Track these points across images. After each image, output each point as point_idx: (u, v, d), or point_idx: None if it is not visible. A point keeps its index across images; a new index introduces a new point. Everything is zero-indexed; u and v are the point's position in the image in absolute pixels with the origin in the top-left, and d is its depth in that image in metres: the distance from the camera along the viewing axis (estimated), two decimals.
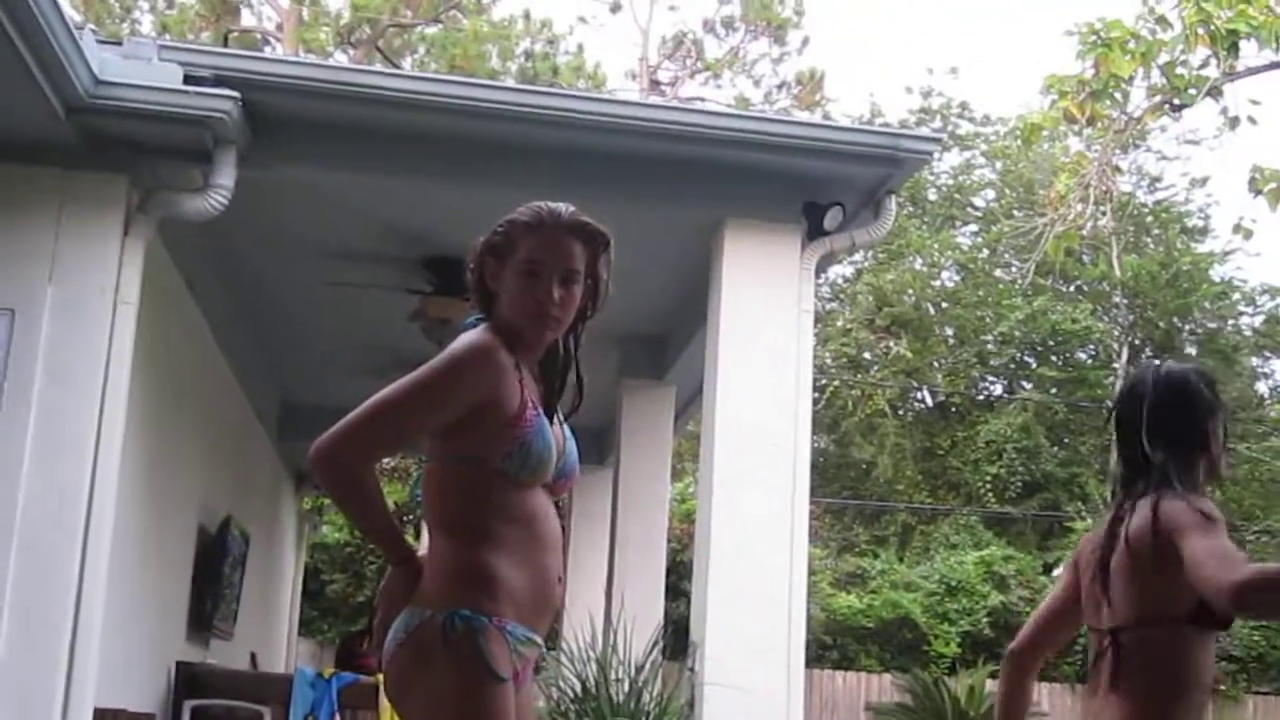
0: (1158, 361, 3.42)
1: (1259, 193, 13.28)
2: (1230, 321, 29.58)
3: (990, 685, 20.01)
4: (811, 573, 13.02)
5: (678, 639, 7.58)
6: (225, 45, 21.97)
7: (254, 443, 12.08)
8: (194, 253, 8.07)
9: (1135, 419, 3.22)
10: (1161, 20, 13.33)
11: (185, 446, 8.86)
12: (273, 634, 14.35)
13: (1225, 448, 3.31)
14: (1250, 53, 13.22)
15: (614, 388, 10.27)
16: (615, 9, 29.47)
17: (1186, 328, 29.28)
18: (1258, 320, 30.51)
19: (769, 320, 7.52)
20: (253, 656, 11.68)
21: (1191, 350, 29.10)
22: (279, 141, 7.04)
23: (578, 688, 7.36)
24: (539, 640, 3.01)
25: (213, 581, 9.83)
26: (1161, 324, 28.94)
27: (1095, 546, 3.21)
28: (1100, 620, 3.14)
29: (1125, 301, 28.69)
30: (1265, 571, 2.70)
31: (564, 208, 3.12)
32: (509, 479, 2.96)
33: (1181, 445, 3.19)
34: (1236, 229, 14.75)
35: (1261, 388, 31.04)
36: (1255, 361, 30.60)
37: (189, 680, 8.41)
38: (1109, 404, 3.35)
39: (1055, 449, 26.83)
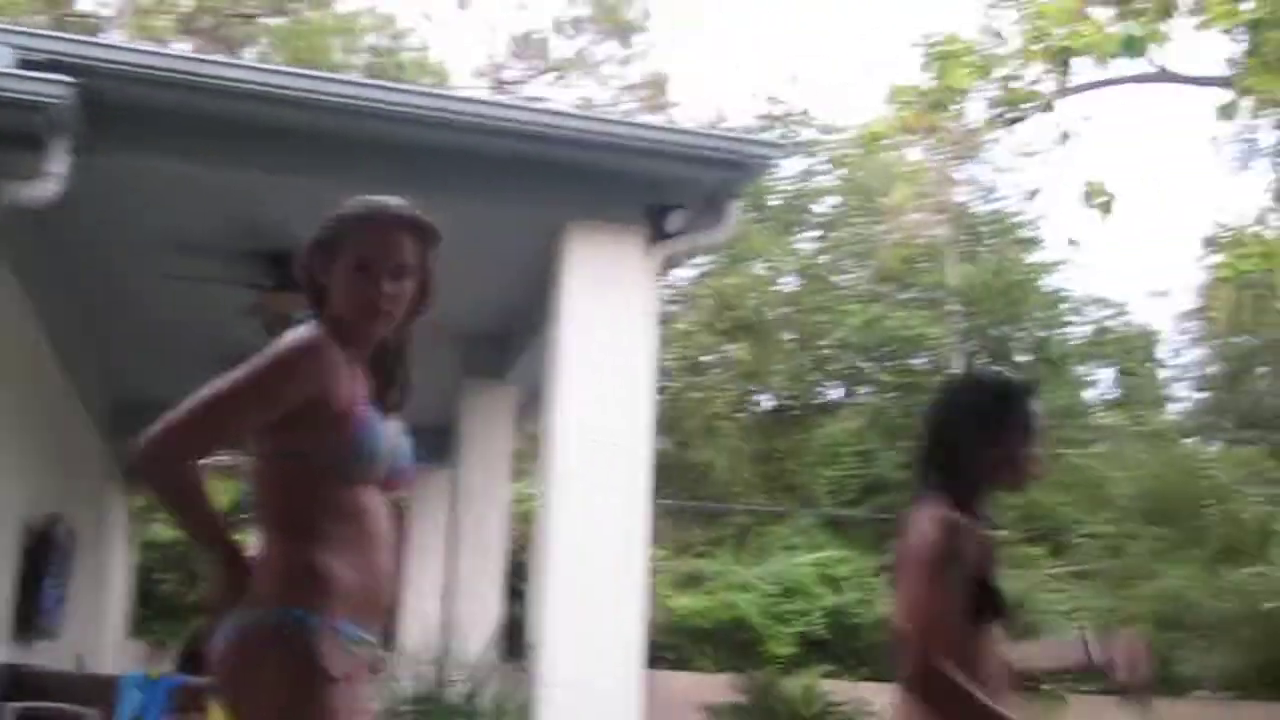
0: (964, 373, 3.51)
1: (1093, 205, 13.67)
2: (1059, 331, 30.35)
3: (825, 685, 20.30)
4: (650, 573, 13.08)
5: (516, 640, 7.55)
6: (61, 30, 21.41)
7: (83, 439, 11.80)
8: (24, 242, 7.85)
9: (926, 427, 3.40)
10: (999, 36, 13.66)
11: (7, 441, 8.61)
12: (102, 635, 14.02)
13: (1023, 455, 3.40)
14: (1083, 69, 13.60)
15: (454, 388, 10.22)
16: (463, 5, 29.31)
17: (1018, 335, 29.97)
18: (1086, 329, 31.37)
19: (611, 322, 7.55)
20: (79, 658, 11.40)
21: (1023, 358, 29.80)
22: (116, 129, 6.89)
23: (415, 689, 7.31)
24: (371, 639, 2.97)
25: (38, 581, 9.57)
26: (994, 331, 29.59)
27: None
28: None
29: (960, 309, 29.27)
30: (953, 686, 2.99)
31: (393, 201, 3.07)
32: (338, 476, 2.92)
33: (954, 454, 3.33)
34: (1070, 241, 15.20)
35: (1088, 395, 31.89)
36: (1082, 370, 31.42)
37: (13, 682, 8.18)
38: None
39: (891, 453, 27.26)
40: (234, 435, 2.98)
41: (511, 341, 9.87)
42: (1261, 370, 31.30)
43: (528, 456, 17.24)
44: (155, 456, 2.84)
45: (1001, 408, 3.37)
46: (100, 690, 8.28)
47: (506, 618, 9.62)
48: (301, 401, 2.86)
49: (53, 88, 6.31)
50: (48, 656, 9.89)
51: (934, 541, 3.16)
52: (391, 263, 3.00)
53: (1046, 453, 3.48)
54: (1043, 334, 29.89)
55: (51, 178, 6.51)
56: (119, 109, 6.87)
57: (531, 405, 10.55)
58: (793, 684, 20.28)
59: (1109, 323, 31.93)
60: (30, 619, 9.51)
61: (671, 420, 27.27)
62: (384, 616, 3.05)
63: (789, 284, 30.97)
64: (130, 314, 10.21)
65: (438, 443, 12.14)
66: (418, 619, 11.85)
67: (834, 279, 30.74)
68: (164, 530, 19.46)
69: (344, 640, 2.83)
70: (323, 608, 2.81)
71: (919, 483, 3.37)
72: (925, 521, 3.21)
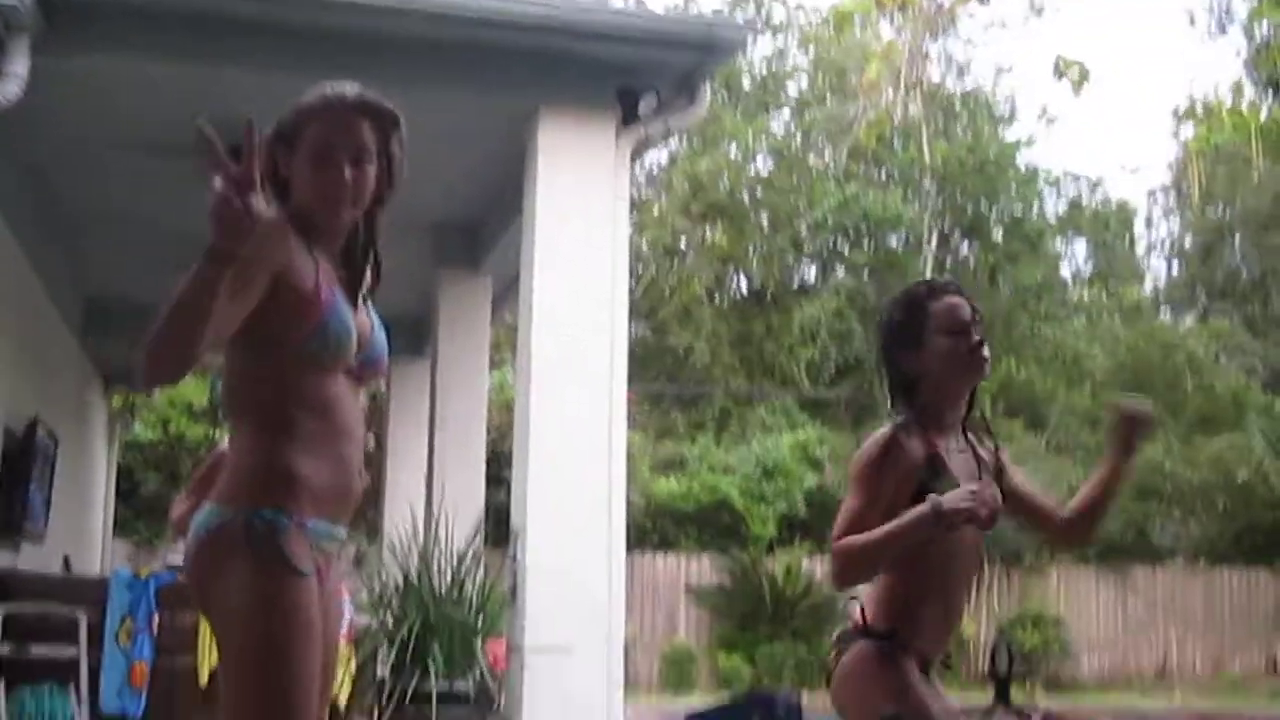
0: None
1: (1065, 79, 13.59)
2: (1035, 207, 30.33)
3: (805, 564, 20.55)
4: (630, 458, 13.15)
5: (499, 527, 7.62)
6: None
7: (59, 342, 11.76)
8: None
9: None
10: None
11: None
12: (87, 536, 14.09)
13: (958, 350, 3.53)
14: None
15: (430, 278, 10.20)
16: None
17: (994, 213, 29.95)
18: (1061, 205, 31.36)
19: (584, 208, 7.52)
20: (66, 560, 11.46)
21: (998, 235, 29.81)
22: (76, 27, 6.79)
23: (400, 579, 7.38)
24: (340, 535, 2.98)
25: (20, 485, 9.59)
26: (969, 209, 29.56)
27: None
28: None
29: (934, 187, 29.21)
30: (845, 545, 3.19)
31: (350, 87, 3.04)
32: (306, 362, 2.89)
33: (898, 376, 3.52)
34: (1043, 116, 15.12)
35: (1064, 270, 31.97)
36: (1059, 244, 31.46)
37: (1, 586, 8.22)
38: None
39: (868, 333, 27.33)
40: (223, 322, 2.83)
41: (486, 231, 9.84)
42: (1235, 242, 31.38)
43: (506, 345, 17.28)
44: (159, 356, 2.67)
45: (913, 316, 3.49)
46: (89, 591, 8.31)
47: (489, 506, 9.70)
48: (269, 278, 2.81)
49: None
50: (35, 560, 9.94)
51: (862, 455, 3.34)
52: (351, 148, 2.97)
53: (985, 335, 3.53)
54: (1017, 211, 29.86)
55: (12, 79, 6.43)
56: (78, 7, 6.77)
57: (508, 294, 10.55)
58: (775, 563, 20.52)
59: (1084, 198, 31.92)
60: (15, 524, 9.54)
61: (648, 306, 27.30)
62: (353, 510, 3.04)
63: (762, 166, 30.83)
64: (99, 214, 10.14)
65: (415, 334, 12.15)
66: (401, 509, 11.92)
67: (808, 160, 30.61)
68: (145, 431, 19.49)
69: (313, 537, 2.84)
70: (292, 507, 2.80)
71: (891, 411, 3.51)
72: (868, 440, 3.38)
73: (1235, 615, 21.66)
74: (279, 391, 2.89)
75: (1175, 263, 33.72)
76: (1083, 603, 21.20)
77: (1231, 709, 17.69)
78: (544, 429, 7.28)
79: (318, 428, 2.90)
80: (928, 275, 28.10)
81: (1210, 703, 18.38)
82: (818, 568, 20.77)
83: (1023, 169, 29.67)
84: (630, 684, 11.93)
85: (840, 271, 29.29)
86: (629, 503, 8.78)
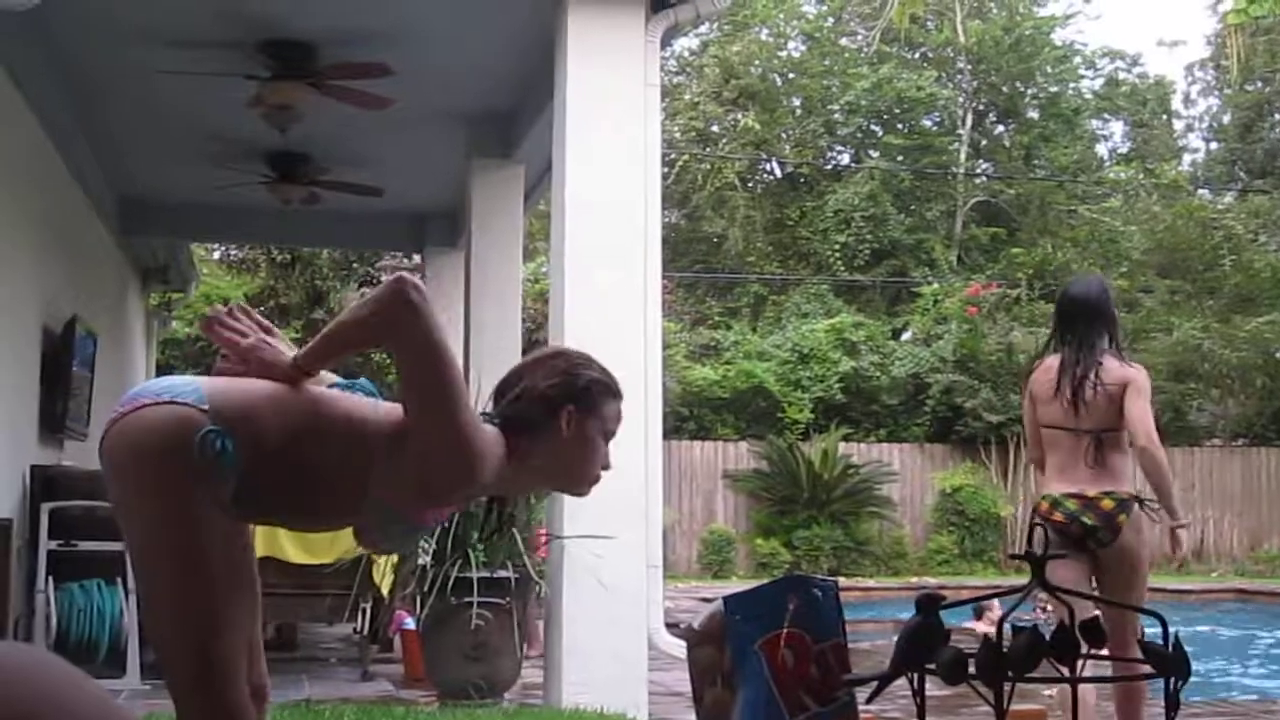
0: (1090, 278, 5.79)
1: None
2: (1071, 85, 29.95)
3: (842, 448, 20.61)
4: (666, 346, 13.16)
5: None
6: None
7: (96, 240, 11.79)
8: (17, 44, 7.74)
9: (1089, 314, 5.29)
10: None
11: (20, 245, 8.61)
12: None
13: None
14: None
15: (463, 169, 10.16)
16: None
17: (1029, 92, 29.60)
18: (1098, 83, 30.95)
19: (615, 95, 7.45)
20: None
21: (1034, 114, 29.47)
22: None
23: None
24: None
25: (62, 383, 9.66)
26: (1005, 89, 29.22)
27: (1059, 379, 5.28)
28: (1079, 424, 5.24)
29: (969, 67, 28.87)
30: (1161, 462, 5.32)
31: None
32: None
33: (1114, 325, 5.39)
34: None
35: (1101, 150, 31.63)
36: (1095, 124, 31.11)
37: (45, 483, 8.31)
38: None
39: (902, 216, 27.19)
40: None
41: (518, 120, 9.78)
42: (1275, 118, 30.91)
43: (539, 235, 17.25)
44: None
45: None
46: None
47: None
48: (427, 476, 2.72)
49: None
50: (78, 457, 10.04)
51: (1143, 373, 5.43)
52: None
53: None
54: (1054, 89, 29.48)
55: None
56: None
57: (541, 183, 10.51)
58: (812, 448, 20.59)
59: (1121, 75, 31.48)
60: (58, 422, 9.62)
61: (681, 193, 27.17)
62: None
63: (795, 49, 30.51)
64: (130, 112, 10.11)
65: (449, 225, 12.14)
66: None
67: (840, 43, 30.26)
68: (182, 327, 19.61)
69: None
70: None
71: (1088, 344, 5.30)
72: (1132, 366, 5.42)
73: (1271, 495, 21.64)
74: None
75: (1213, 141, 33.30)
76: None
77: (1269, 586, 17.74)
78: (578, 317, 7.28)
79: None
80: (962, 157, 27.86)
81: (1247, 581, 18.43)
82: (854, 452, 20.84)
83: (1058, 46, 29.25)
84: (669, 569, 12.05)
85: (874, 155, 29.06)
86: (665, 390, 8.80)
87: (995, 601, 3.02)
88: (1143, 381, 5.23)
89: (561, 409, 2.86)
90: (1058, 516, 5.04)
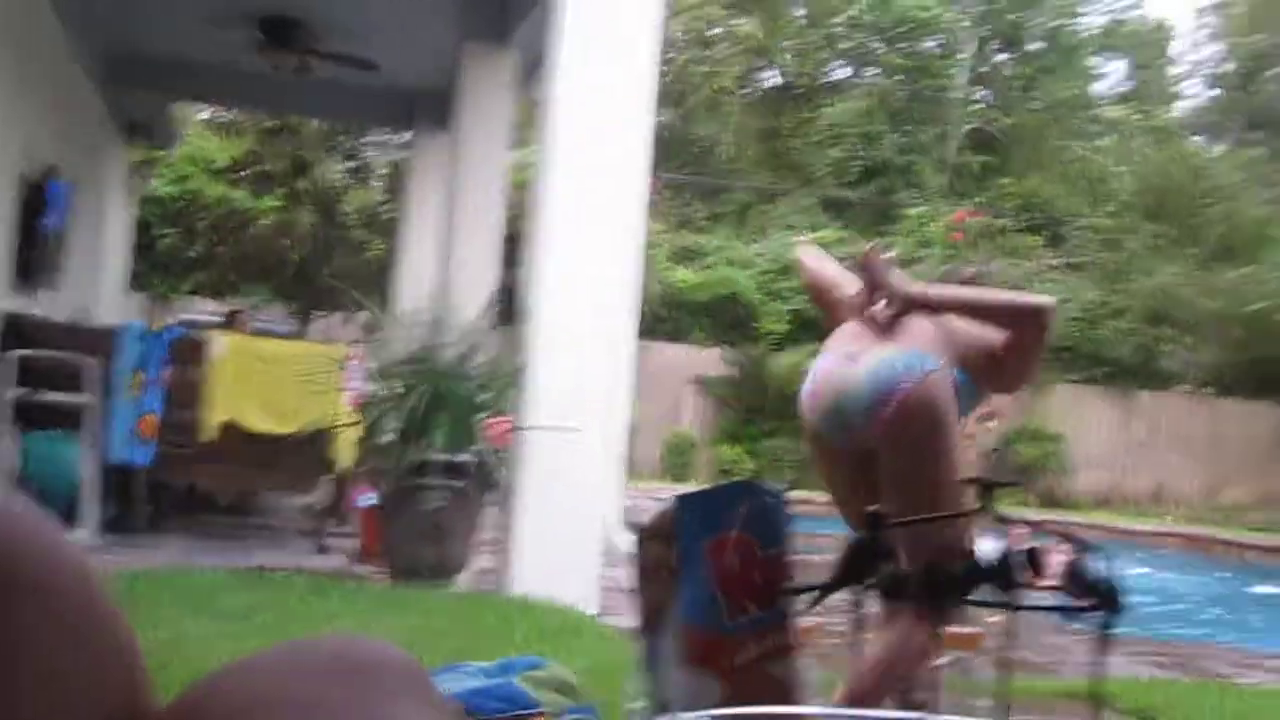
0: None
1: None
2: (1073, 20, 29.77)
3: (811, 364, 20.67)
4: (648, 246, 13.13)
5: (512, 306, 7.64)
6: None
7: (80, 91, 11.67)
8: None
9: None
10: None
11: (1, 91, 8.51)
12: (102, 288, 14.15)
13: None
14: None
15: (455, 50, 10.05)
16: None
17: (1035, 22, 29.41)
18: (1101, 20, 30.76)
19: None
20: (80, 309, 11.53)
21: (1035, 46, 29.30)
22: None
23: (410, 350, 7.43)
24: None
25: (38, 232, 9.61)
26: (1010, 17, 29.01)
27: None
28: None
29: None
30: None
31: None
32: None
33: None
34: None
35: (1099, 88, 31.49)
36: (1095, 61, 30.95)
37: (15, 331, 8.28)
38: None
39: (896, 136, 27.08)
40: None
41: (513, 4, 9.67)
42: (1275, 71, 30.79)
43: (528, 124, 17.14)
44: None
45: None
46: (100, 341, 8.36)
47: (503, 284, 9.71)
48: None
49: None
50: (49, 307, 10.01)
51: None
52: None
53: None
54: (1057, 22, 29.29)
55: None
56: None
57: (534, 72, 10.42)
58: (783, 360, 20.65)
59: (1124, 14, 31.27)
60: (31, 270, 9.58)
61: (676, 94, 26.98)
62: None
63: None
64: None
65: (437, 107, 12.03)
66: (413, 283, 11.97)
67: None
68: (163, 185, 19.48)
69: None
70: None
71: None
72: None
73: (1233, 445, 21.81)
74: None
75: (1213, 88, 33.17)
76: (1085, 421, 21.34)
77: (1219, 534, 17.93)
78: (562, 210, 7.25)
79: None
80: (961, 82, 27.72)
81: (1199, 528, 18.62)
82: None
83: None
84: (631, 468, 12.10)
85: (872, 72, 28.87)
86: (643, 290, 8.80)
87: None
88: None
89: None
90: None
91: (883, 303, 3.84)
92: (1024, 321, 3.80)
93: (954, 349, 3.77)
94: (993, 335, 3.82)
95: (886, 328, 3.78)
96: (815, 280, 4.35)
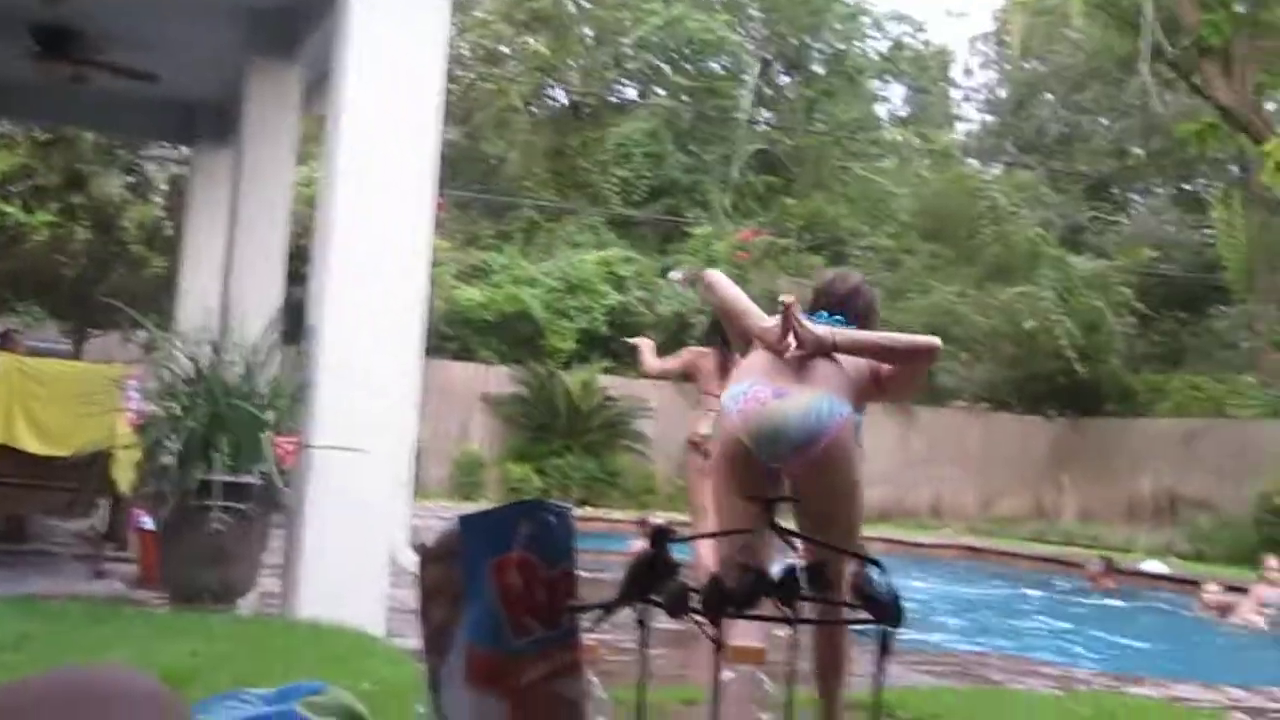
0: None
1: None
2: (857, 44, 30.48)
3: (602, 380, 20.78)
4: (435, 264, 13.05)
5: (298, 324, 7.53)
6: None
7: None
8: None
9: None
10: None
11: None
12: None
13: None
14: None
15: (239, 65, 9.88)
16: None
17: (816, 46, 30.03)
18: (884, 45, 31.56)
19: (402, 3, 7.34)
20: None
21: (819, 69, 29.93)
22: None
23: (190, 370, 7.27)
24: None
25: None
26: (794, 40, 29.58)
27: None
28: None
29: (761, 15, 29.14)
30: None
31: None
32: None
33: None
34: None
35: (880, 111, 32.30)
36: (877, 84, 31.73)
37: None
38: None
39: (682, 156, 27.38)
40: None
41: (300, 18, 9.54)
42: (1047, 97, 31.97)
43: (314, 139, 16.90)
44: None
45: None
46: None
47: (287, 301, 9.56)
48: None
49: None
50: None
51: None
52: None
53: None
54: (840, 46, 29.98)
55: None
56: None
57: (320, 87, 10.29)
58: (572, 378, 20.72)
59: (906, 39, 32.15)
60: None
61: (464, 111, 26.90)
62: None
63: None
64: None
65: (220, 122, 11.81)
66: (195, 301, 11.70)
67: None
68: None
69: None
70: None
71: None
72: None
73: (1008, 459, 22.55)
74: None
75: (988, 113, 34.29)
76: (867, 437, 21.70)
77: (995, 547, 18.50)
78: (347, 227, 7.18)
79: None
80: (745, 104, 28.17)
81: (976, 540, 19.19)
82: (613, 386, 21.01)
83: (848, 4, 29.74)
84: (420, 487, 12.02)
85: (660, 92, 29.17)
86: (430, 308, 8.75)
87: None
88: None
89: None
90: None
91: (794, 345, 4.43)
92: (918, 359, 4.55)
93: (854, 388, 4.44)
94: (883, 369, 4.53)
95: (799, 367, 4.39)
96: (728, 306, 4.87)
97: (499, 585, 2.56)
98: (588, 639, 2.76)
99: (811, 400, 4.27)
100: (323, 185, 7.44)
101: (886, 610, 2.53)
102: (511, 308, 21.92)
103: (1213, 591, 13.17)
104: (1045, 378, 22.98)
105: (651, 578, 2.29)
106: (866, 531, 4.91)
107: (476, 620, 2.56)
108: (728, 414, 4.42)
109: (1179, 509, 20.24)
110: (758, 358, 4.55)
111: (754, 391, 4.35)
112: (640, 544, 7.54)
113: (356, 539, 6.80)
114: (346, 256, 7.17)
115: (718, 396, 5.11)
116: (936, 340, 4.56)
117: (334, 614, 6.31)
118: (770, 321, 4.56)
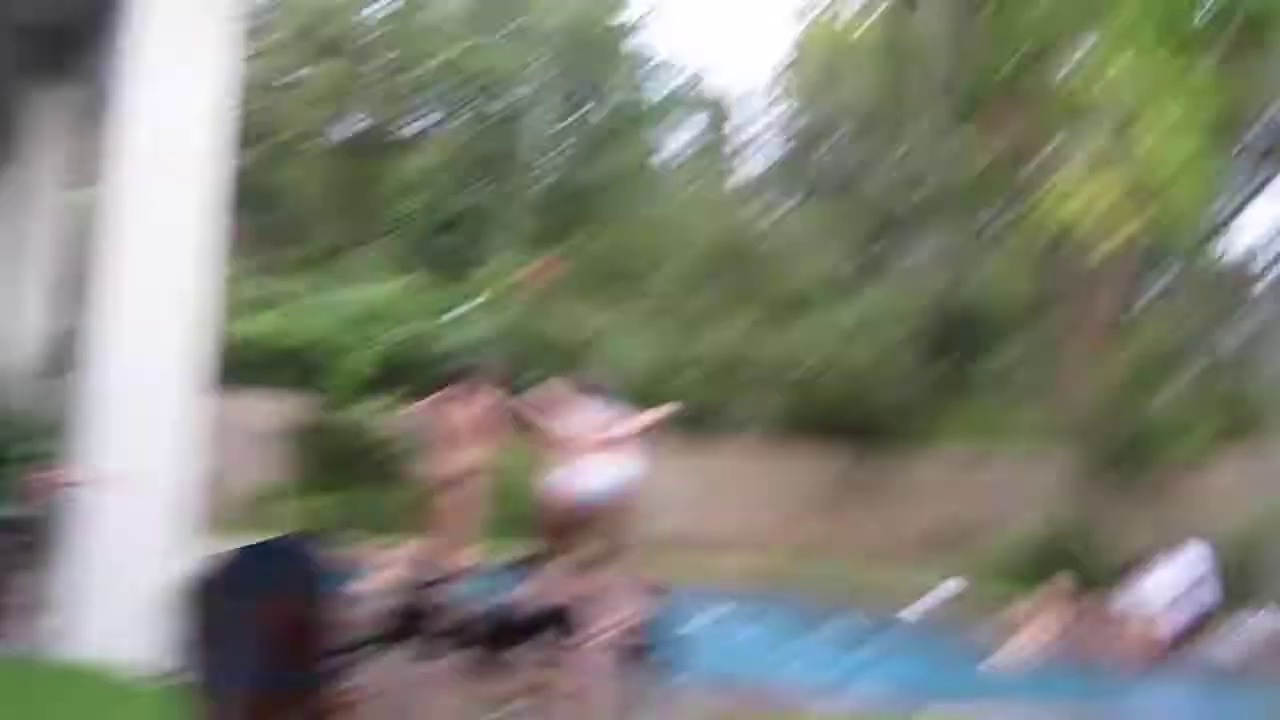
0: None
1: None
2: (640, 88, 30.82)
3: (383, 417, 20.59)
4: (222, 293, 12.77)
5: (67, 353, 7.28)
6: None
7: None
8: None
9: None
10: None
11: None
12: None
13: None
14: None
15: (14, 85, 9.58)
16: None
17: (600, 89, 30.26)
18: (669, 87, 31.93)
19: (190, 24, 7.20)
20: None
21: (602, 113, 30.23)
22: None
23: None
24: None
25: None
26: (589, 76, 29.75)
27: None
28: None
29: (552, 53, 29.27)
30: None
31: None
32: None
33: None
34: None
35: (674, 144, 32.62)
36: (673, 118, 32.05)
37: None
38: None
39: (477, 186, 27.34)
40: None
41: (81, 39, 9.29)
42: (834, 137, 32.66)
43: (92, 163, 16.45)
44: None
45: None
46: None
47: (60, 330, 9.26)
48: None
49: None
50: None
51: None
52: None
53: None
54: (634, 82, 30.31)
55: None
56: None
57: (101, 109, 10.02)
58: (359, 410, 20.51)
59: (689, 84, 32.61)
60: None
61: (254, 138, 26.46)
62: None
63: (382, 9, 30.22)
64: None
65: None
66: None
67: (427, 10, 30.17)
68: None
69: None
70: None
71: None
72: None
73: (799, 488, 22.90)
74: None
75: (775, 154, 34.85)
76: (662, 468, 21.84)
77: (790, 574, 18.76)
78: (129, 253, 6.99)
79: None
80: (536, 138, 28.30)
81: (772, 567, 19.41)
82: (405, 416, 20.81)
83: (632, 49, 30.17)
84: (202, 521, 11.70)
85: (453, 124, 29.08)
86: (216, 338, 8.55)
87: None
88: None
89: None
90: None
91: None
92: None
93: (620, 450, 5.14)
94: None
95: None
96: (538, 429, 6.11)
97: (258, 623, 2.50)
98: (353, 679, 2.71)
99: (611, 472, 5.74)
100: (104, 210, 7.23)
101: (665, 643, 2.53)
102: (301, 338, 21.57)
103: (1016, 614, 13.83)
104: (830, 409, 23.43)
105: (410, 620, 2.26)
106: (662, 561, 5.01)
107: (236, 659, 2.50)
108: (559, 485, 5.72)
109: (965, 536, 20.78)
110: (571, 447, 6.66)
111: (582, 469, 6.54)
112: (387, 573, 7.33)
113: (131, 574, 6.59)
114: (127, 283, 6.98)
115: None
116: (674, 407, 6.53)
117: (106, 652, 6.11)
118: None
